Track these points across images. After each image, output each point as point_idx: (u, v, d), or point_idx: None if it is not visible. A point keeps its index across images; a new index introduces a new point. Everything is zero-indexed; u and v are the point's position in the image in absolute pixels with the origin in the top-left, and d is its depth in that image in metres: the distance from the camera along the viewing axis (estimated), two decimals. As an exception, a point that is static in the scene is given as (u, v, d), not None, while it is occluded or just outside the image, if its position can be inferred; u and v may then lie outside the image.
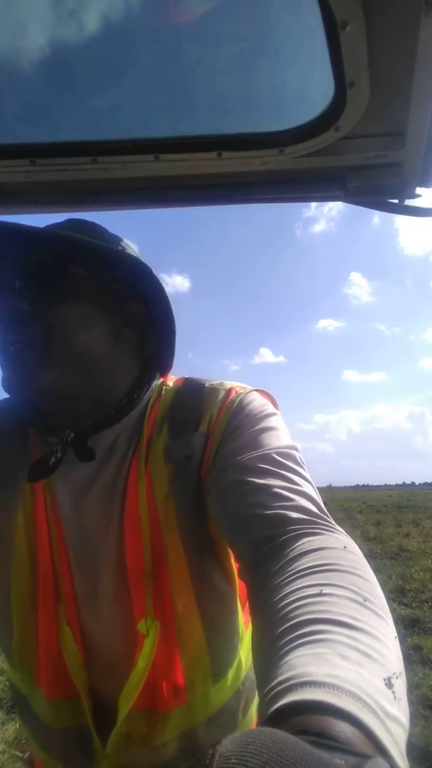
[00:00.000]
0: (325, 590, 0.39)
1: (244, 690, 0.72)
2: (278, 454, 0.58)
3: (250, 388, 0.70)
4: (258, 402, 0.67)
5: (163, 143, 0.63)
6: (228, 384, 0.70)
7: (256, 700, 0.75)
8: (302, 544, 0.47)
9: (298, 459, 0.60)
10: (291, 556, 0.46)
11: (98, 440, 0.65)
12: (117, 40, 0.54)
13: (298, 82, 0.60)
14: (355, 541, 0.50)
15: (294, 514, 0.51)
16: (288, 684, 0.31)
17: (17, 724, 2.24)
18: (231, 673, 0.69)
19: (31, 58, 0.56)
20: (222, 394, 0.68)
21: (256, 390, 0.70)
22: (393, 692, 0.31)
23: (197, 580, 0.64)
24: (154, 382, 0.72)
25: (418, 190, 0.67)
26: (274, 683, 0.32)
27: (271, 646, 0.37)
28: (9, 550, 0.64)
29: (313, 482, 0.58)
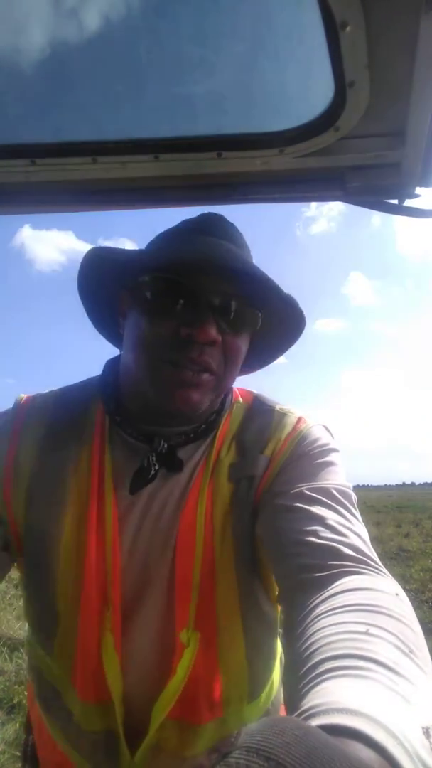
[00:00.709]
0: (372, 630, 0.39)
1: (271, 710, 0.73)
2: (336, 490, 0.60)
3: (317, 420, 0.72)
4: (324, 436, 0.69)
5: (163, 143, 0.63)
6: (297, 412, 0.72)
7: None
8: (353, 580, 0.47)
9: (353, 500, 0.61)
10: (340, 590, 0.46)
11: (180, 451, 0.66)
12: (117, 40, 0.54)
13: (298, 82, 0.60)
14: None
15: (346, 550, 0.52)
16: (321, 708, 0.30)
17: (17, 724, 2.24)
18: (264, 694, 0.70)
19: (31, 58, 0.56)
20: (292, 421, 0.70)
21: (322, 425, 0.72)
22: (431, 743, 0.29)
23: (244, 599, 0.64)
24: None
25: (418, 190, 0.67)
26: (307, 706, 0.32)
27: (310, 672, 0.37)
28: (55, 548, 0.63)
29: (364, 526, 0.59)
